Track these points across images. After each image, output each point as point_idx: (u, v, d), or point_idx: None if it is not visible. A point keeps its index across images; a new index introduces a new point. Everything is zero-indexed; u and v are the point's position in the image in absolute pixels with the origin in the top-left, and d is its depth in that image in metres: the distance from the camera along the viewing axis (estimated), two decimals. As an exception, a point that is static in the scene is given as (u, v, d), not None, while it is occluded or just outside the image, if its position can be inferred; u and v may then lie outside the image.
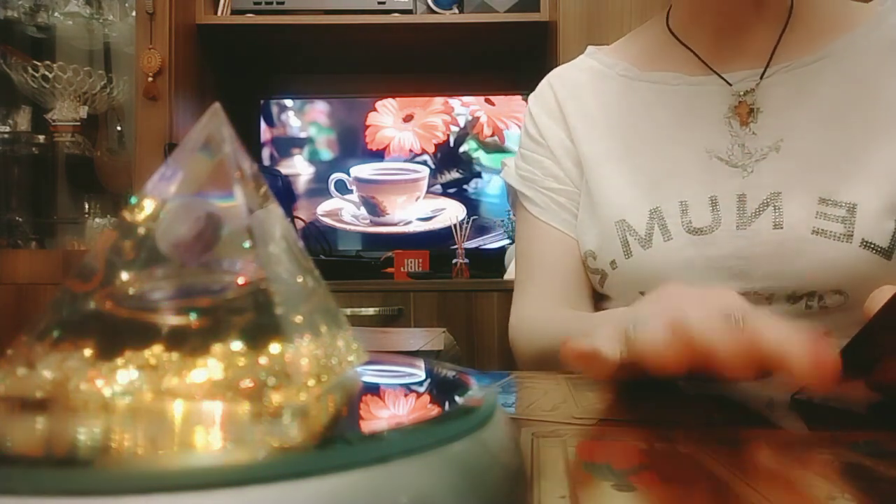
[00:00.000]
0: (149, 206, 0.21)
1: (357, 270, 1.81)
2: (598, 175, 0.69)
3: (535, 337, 0.67)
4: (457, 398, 0.21)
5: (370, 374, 0.25)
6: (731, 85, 0.65)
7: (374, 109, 1.95)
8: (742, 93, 0.64)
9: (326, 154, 1.96)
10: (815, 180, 0.59)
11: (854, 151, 0.60)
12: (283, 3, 1.75)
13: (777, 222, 0.59)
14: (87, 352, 0.19)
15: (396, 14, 1.76)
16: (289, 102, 1.99)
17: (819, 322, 0.59)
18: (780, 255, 0.58)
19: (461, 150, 1.94)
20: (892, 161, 0.58)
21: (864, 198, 0.57)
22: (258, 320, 0.20)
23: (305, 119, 1.98)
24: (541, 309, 0.69)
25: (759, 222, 0.60)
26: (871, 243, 0.57)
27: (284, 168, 1.96)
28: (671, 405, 0.40)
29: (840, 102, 0.62)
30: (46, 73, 1.69)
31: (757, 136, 0.63)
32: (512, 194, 0.78)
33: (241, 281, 0.20)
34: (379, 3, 1.75)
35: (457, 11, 1.79)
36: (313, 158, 1.96)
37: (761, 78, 0.64)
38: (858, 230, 0.57)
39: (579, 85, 0.74)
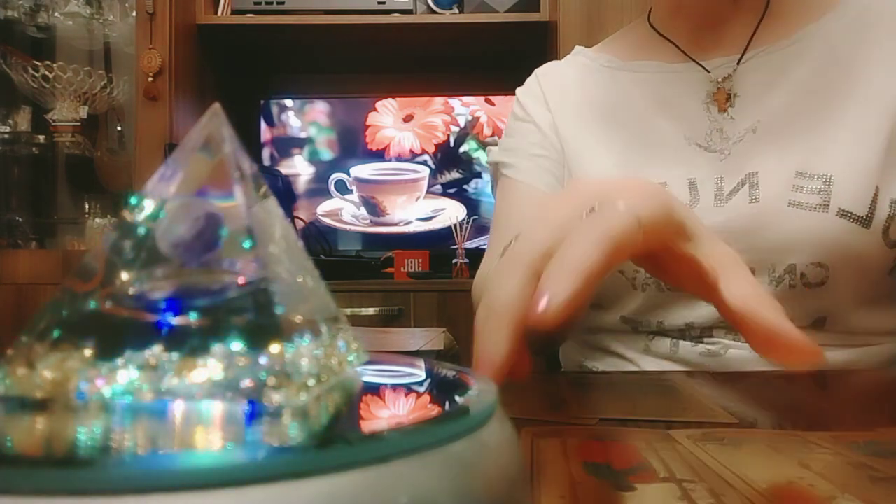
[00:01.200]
0: (149, 206, 0.21)
1: (357, 270, 1.81)
2: (579, 162, 0.70)
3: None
4: (457, 398, 0.21)
5: (370, 374, 0.25)
6: (709, 72, 0.66)
7: (374, 109, 1.95)
8: (720, 79, 0.65)
9: (326, 154, 1.96)
10: (791, 156, 0.60)
11: (829, 124, 0.60)
12: (283, 3, 1.75)
13: (753, 197, 0.60)
14: (87, 352, 0.19)
15: (396, 14, 1.76)
16: (289, 102, 1.99)
17: (806, 303, 0.59)
18: (757, 228, 0.59)
19: (461, 150, 1.94)
20: (865, 129, 0.59)
21: (840, 168, 0.58)
22: (258, 320, 0.20)
23: (305, 119, 1.98)
24: None
25: (736, 199, 0.61)
26: (847, 212, 0.57)
27: (284, 168, 1.96)
28: (671, 405, 0.40)
29: (815, 81, 0.62)
30: (46, 73, 1.69)
31: (735, 121, 0.64)
32: (494, 177, 0.78)
33: (241, 281, 0.20)
34: (379, 3, 1.75)
35: (457, 11, 1.79)
36: (313, 158, 1.96)
37: (738, 63, 0.65)
38: (835, 199, 0.57)
39: (565, 77, 0.76)
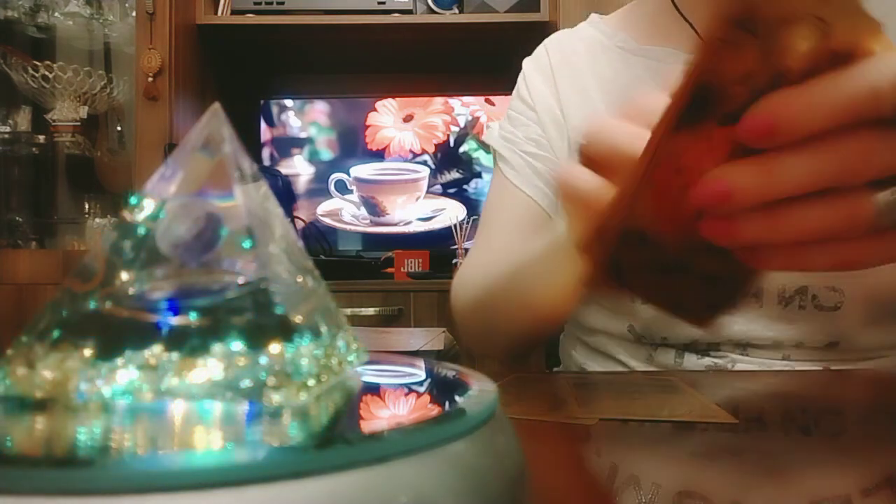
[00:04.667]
0: (149, 206, 0.21)
1: (357, 270, 1.81)
2: None
3: (477, 280, 0.60)
4: (457, 398, 0.21)
5: (370, 374, 0.25)
6: None
7: (374, 109, 1.95)
8: None
9: (326, 154, 1.96)
10: None
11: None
12: (283, 3, 1.74)
13: None
14: (87, 352, 0.19)
15: (396, 14, 1.76)
16: (289, 102, 1.99)
17: (818, 326, 0.57)
18: None
19: (461, 150, 1.94)
20: None
21: None
22: (258, 320, 0.20)
23: (305, 119, 1.98)
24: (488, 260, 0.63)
25: None
26: None
27: (284, 168, 1.96)
28: (671, 405, 0.40)
29: None
30: (46, 73, 1.69)
31: None
32: (494, 155, 0.75)
33: (241, 281, 0.20)
34: (379, 3, 1.75)
35: (457, 11, 1.79)
36: (313, 158, 1.96)
37: None
38: None
39: (576, 53, 0.71)
